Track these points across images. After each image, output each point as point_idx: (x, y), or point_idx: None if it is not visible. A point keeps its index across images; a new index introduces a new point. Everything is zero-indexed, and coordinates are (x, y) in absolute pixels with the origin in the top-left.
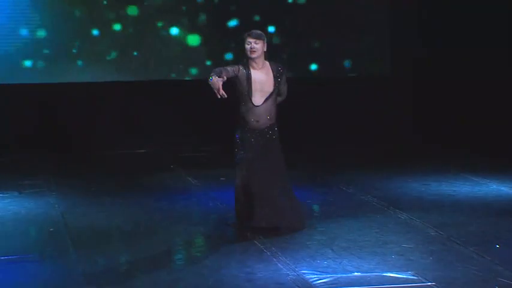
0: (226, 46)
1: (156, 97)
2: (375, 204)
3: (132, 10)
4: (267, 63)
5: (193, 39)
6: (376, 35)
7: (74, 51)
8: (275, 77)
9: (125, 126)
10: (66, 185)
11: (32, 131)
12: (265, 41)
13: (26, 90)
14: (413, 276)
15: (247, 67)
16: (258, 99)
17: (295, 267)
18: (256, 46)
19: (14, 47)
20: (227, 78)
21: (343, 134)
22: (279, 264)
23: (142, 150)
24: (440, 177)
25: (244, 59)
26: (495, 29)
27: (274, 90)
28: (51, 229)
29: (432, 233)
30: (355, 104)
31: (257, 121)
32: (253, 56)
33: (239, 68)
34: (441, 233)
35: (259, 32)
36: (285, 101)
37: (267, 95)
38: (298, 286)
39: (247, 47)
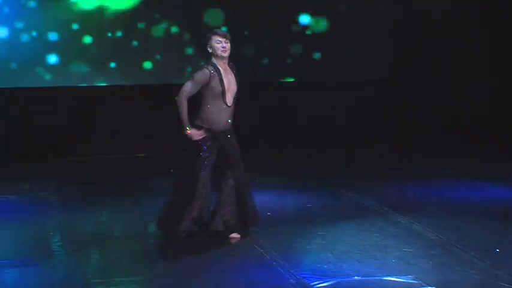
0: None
1: (155, 101)
2: (375, 208)
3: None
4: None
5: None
6: (376, 35)
7: (73, 55)
8: (236, 76)
9: (125, 129)
10: (66, 189)
11: (32, 134)
12: None
13: (26, 94)
14: (413, 280)
15: (216, 68)
16: (229, 99)
17: (296, 271)
18: (227, 45)
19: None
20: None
21: (342, 137)
22: (279, 268)
23: (142, 154)
24: (440, 180)
25: (209, 60)
26: (495, 29)
27: (238, 88)
28: (51, 233)
29: (432, 237)
30: (355, 106)
31: (227, 121)
32: (225, 54)
33: (210, 73)
34: (441, 237)
35: (225, 31)
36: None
37: (234, 94)
38: None
39: (218, 45)
